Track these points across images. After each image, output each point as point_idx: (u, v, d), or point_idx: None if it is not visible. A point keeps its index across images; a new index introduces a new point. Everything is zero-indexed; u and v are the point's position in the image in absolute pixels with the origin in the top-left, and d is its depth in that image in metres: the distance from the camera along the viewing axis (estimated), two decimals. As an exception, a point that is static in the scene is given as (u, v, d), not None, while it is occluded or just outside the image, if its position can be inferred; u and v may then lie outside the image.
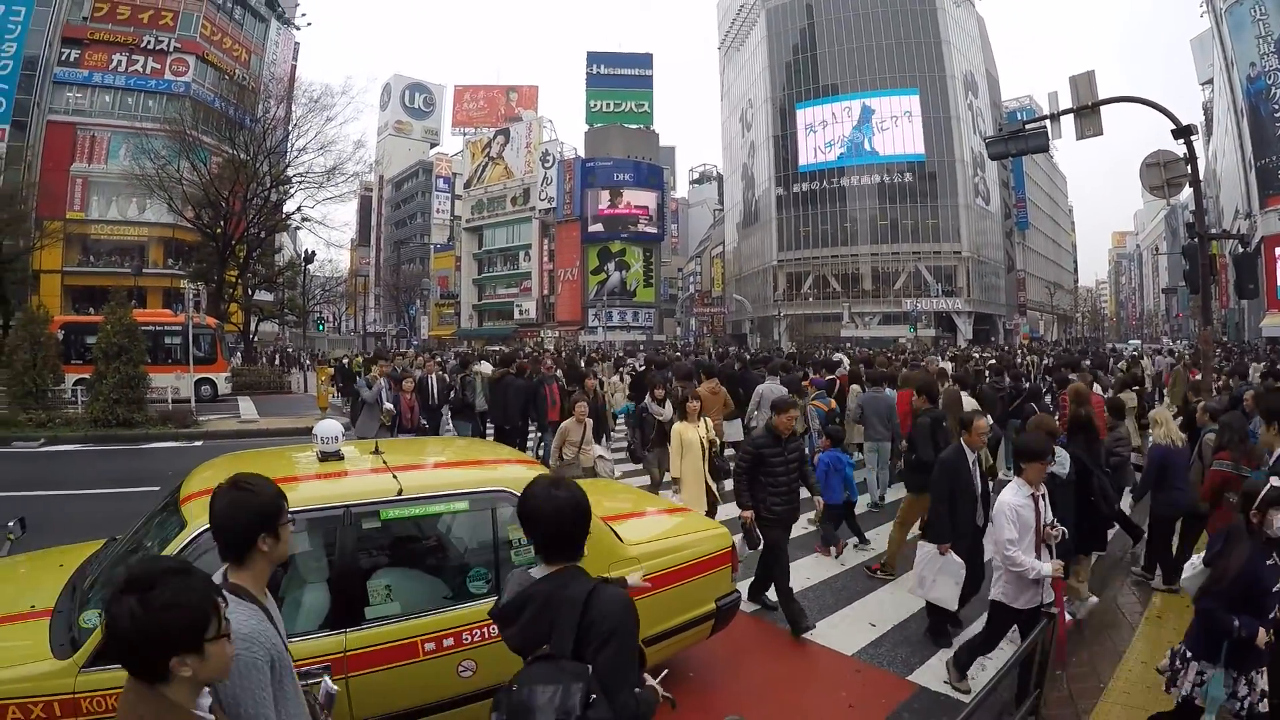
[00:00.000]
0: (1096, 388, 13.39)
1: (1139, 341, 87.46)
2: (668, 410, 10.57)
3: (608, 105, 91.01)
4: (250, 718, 2.33)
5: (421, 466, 5.10)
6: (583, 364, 23.04)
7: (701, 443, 7.84)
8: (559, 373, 15.68)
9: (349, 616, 3.96)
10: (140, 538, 4.35)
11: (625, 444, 12.73)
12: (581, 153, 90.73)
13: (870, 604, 7.54)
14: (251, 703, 2.33)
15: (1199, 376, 15.99)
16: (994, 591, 5.43)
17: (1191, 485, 7.34)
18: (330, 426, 4.69)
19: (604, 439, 13.46)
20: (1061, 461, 6.48)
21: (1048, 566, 5.15)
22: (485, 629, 4.17)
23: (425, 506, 4.38)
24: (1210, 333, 17.87)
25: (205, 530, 3.66)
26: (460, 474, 4.92)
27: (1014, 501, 5.20)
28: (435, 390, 14.91)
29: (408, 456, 5.20)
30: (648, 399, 11.45)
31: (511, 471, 4.96)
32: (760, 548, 6.88)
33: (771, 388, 12.36)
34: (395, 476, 4.38)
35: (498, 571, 4.40)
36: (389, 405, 12.32)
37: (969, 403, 10.23)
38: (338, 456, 4.64)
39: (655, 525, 5.83)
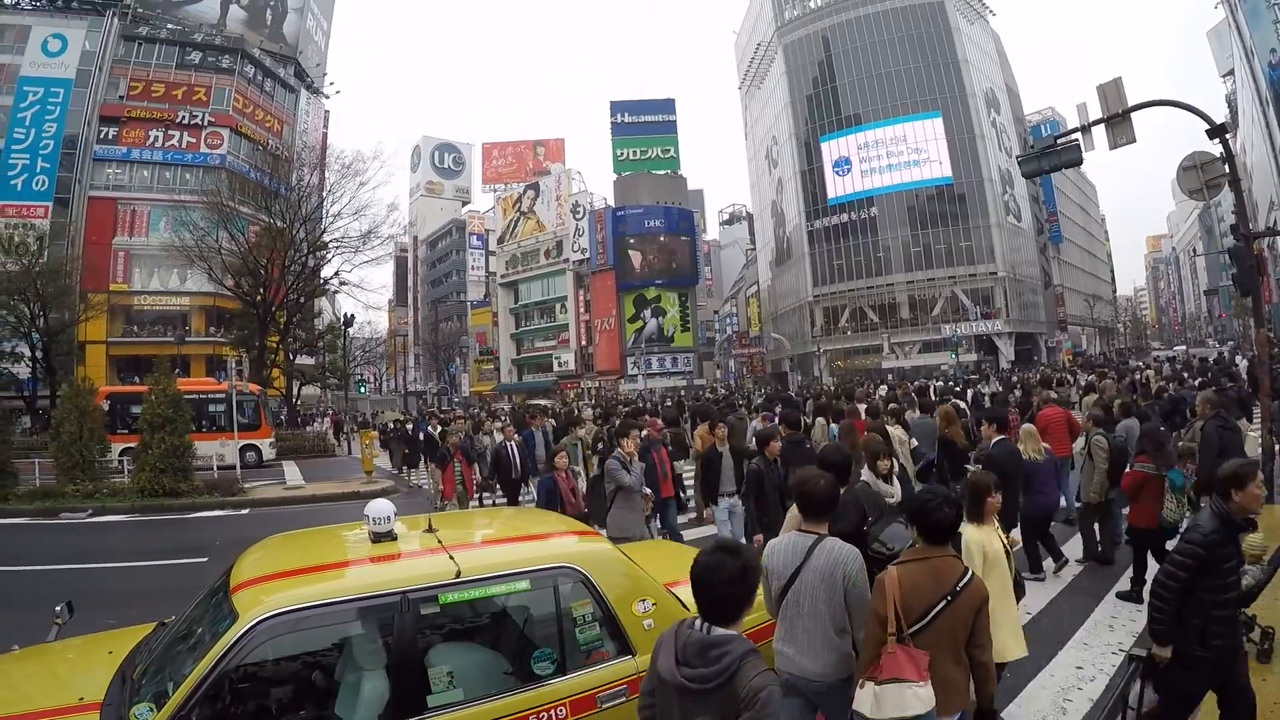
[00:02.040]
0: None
1: (1184, 347, 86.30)
2: (897, 489, 7.33)
3: (634, 153, 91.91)
4: None
5: (477, 544, 4.91)
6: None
7: (1007, 555, 5.01)
8: (668, 434, 13.48)
9: (411, 705, 3.75)
10: (191, 624, 4.21)
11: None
12: (611, 202, 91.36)
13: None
14: None
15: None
16: None
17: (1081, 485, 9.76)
18: (382, 506, 4.51)
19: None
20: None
21: None
22: (553, 711, 3.97)
23: (485, 588, 4.17)
24: (1265, 334, 17.31)
25: (258, 623, 3.60)
26: (518, 550, 4.68)
27: None
28: (517, 458, 13.33)
29: (462, 532, 5.05)
30: (865, 472, 7.13)
31: (568, 545, 4.77)
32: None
33: (758, 425, 12.72)
34: (452, 557, 4.18)
35: (563, 651, 4.19)
36: (649, 490, 9.47)
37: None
38: (390, 537, 4.47)
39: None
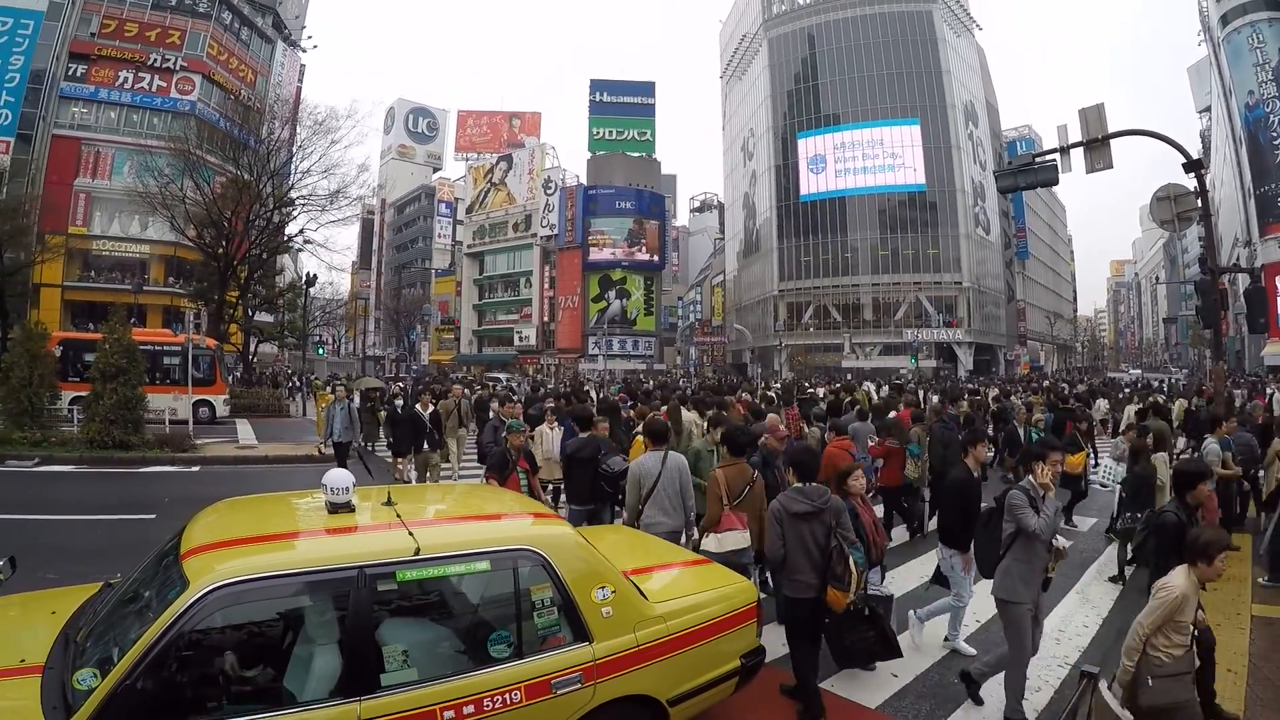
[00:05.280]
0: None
1: (1139, 371, 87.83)
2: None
3: (610, 133, 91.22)
4: None
5: (437, 521, 4.80)
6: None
7: None
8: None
9: (363, 684, 3.68)
10: (139, 588, 4.10)
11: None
12: (583, 180, 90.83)
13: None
14: None
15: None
16: None
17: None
18: (341, 476, 4.42)
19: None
20: None
21: None
22: (507, 694, 3.94)
23: (444, 567, 4.10)
24: (1222, 367, 17.67)
25: (209, 592, 3.50)
26: (477, 530, 4.61)
27: None
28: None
29: (420, 508, 4.97)
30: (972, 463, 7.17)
31: (528, 527, 4.72)
32: None
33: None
34: (411, 533, 4.11)
35: (519, 633, 4.14)
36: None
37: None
38: (348, 508, 4.39)
39: (680, 579, 5.51)
